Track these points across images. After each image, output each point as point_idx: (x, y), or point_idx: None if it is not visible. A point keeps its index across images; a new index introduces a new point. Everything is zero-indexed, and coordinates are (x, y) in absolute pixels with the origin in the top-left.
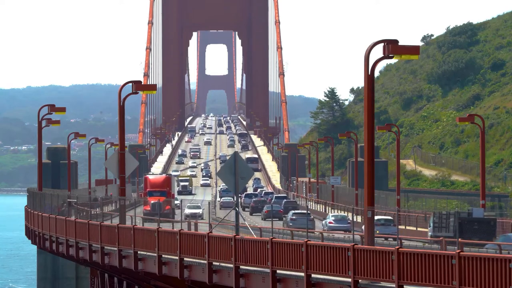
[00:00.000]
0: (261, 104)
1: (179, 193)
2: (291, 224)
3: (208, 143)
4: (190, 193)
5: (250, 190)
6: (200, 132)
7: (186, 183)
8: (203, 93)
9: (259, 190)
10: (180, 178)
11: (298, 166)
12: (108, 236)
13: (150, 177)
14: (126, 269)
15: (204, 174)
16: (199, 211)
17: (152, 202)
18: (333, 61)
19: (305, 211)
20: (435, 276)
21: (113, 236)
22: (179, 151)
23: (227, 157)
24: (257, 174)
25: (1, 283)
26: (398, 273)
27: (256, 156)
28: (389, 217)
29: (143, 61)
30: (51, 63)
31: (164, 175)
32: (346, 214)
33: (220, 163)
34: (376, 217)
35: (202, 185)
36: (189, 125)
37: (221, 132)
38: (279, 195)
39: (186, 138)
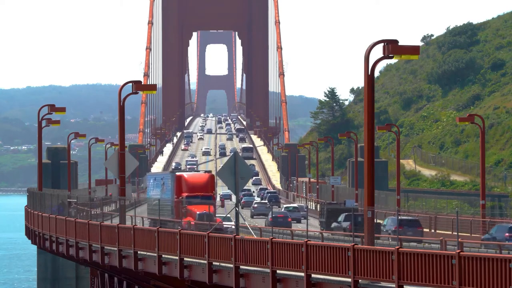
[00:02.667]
0: (261, 104)
1: None
2: (253, 211)
3: (206, 153)
4: None
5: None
6: (198, 137)
7: None
8: (203, 93)
9: (254, 178)
10: None
11: (298, 166)
12: (108, 236)
13: (186, 175)
14: (126, 269)
15: None
16: (231, 224)
17: (198, 213)
18: (333, 61)
19: (265, 201)
20: (435, 276)
21: (113, 236)
22: (173, 165)
23: (225, 146)
24: (251, 162)
25: (1, 283)
26: (398, 273)
27: (251, 146)
28: (296, 205)
29: (143, 61)
30: (51, 63)
31: (205, 172)
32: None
33: (220, 151)
34: (285, 205)
35: None
36: (185, 130)
37: (221, 129)
38: (271, 190)
39: (182, 146)
